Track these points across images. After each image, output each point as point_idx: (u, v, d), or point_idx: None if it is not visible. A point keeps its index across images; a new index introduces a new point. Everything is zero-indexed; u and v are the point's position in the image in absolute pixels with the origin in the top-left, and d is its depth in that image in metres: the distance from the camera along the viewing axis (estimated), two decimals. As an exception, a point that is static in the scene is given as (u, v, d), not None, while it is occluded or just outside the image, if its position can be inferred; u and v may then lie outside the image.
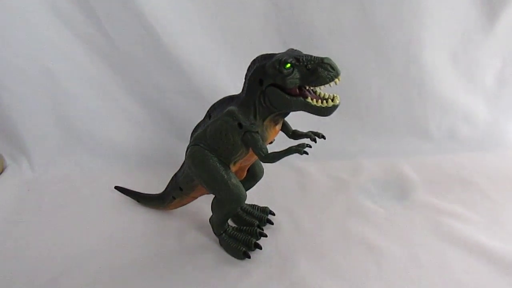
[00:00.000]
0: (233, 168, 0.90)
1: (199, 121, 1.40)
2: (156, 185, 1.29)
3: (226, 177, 0.87)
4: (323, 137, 0.90)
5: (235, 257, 0.94)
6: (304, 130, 0.92)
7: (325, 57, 0.72)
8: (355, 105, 1.38)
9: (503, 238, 0.97)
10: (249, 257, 0.93)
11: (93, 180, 1.34)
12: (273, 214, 1.08)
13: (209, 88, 1.35)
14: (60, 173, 1.37)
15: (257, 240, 0.96)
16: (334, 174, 1.30)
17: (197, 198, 1.05)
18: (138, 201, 1.18)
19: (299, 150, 0.80)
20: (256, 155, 0.83)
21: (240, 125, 0.81)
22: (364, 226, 1.04)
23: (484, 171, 1.29)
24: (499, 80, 1.41)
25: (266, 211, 1.08)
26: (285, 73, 0.73)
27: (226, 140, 0.84)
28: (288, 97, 0.76)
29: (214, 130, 0.85)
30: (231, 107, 0.83)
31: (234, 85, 1.35)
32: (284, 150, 0.81)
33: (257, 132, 0.81)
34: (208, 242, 1.01)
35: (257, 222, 1.03)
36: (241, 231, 0.99)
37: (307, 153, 0.80)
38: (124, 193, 1.21)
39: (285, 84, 0.74)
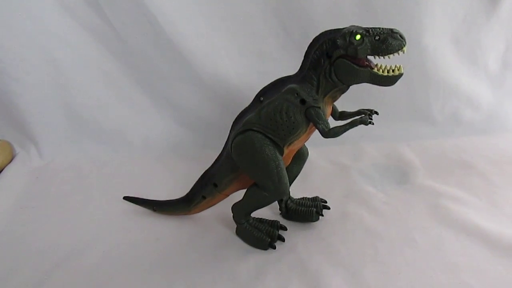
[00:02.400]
0: (286, 151, 0.89)
1: (201, 107, 1.43)
2: (162, 173, 1.32)
3: (280, 167, 0.85)
4: (376, 112, 0.90)
5: (256, 247, 0.94)
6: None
7: (393, 28, 0.76)
8: (356, 90, 1.34)
9: (501, 221, 0.97)
10: (275, 248, 0.93)
11: (100, 167, 1.37)
12: (325, 202, 1.06)
13: (210, 74, 1.36)
14: (68, 160, 1.40)
15: (278, 231, 0.96)
16: (335, 159, 1.31)
17: (228, 195, 1.01)
18: (154, 209, 1.08)
19: (365, 120, 0.82)
20: (320, 130, 0.83)
21: (303, 101, 0.82)
22: (363, 210, 1.05)
23: (486, 154, 1.29)
24: (503, 63, 1.40)
25: (317, 199, 1.06)
26: (356, 43, 0.76)
27: (287, 119, 0.83)
28: (358, 68, 0.78)
29: (272, 110, 0.84)
30: (292, 85, 0.83)
31: (235, 71, 1.37)
32: (347, 123, 0.83)
33: (320, 107, 0.83)
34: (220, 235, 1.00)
35: (315, 209, 1.01)
36: (263, 222, 0.99)
37: (372, 123, 0.83)
38: (136, 203, 1.11)
39: (356, 54, 0.76)
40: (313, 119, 0.83)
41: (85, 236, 1.01)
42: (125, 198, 1.11)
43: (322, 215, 1.01)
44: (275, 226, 0.98)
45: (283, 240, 0.95)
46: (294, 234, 0.98)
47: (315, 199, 1.06)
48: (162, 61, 1.35)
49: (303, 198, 1.06)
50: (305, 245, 0.94)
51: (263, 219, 1.00)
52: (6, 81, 1.33)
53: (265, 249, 0.93)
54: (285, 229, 0.99)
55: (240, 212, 0.95)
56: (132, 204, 1.11)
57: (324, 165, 1.28)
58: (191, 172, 1.30)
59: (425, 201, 1.07)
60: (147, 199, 1.08)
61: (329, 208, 1.03)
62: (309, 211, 1.00)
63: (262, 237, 0.94)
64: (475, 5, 1.28)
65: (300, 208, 1.02)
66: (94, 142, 1.45)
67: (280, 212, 1.05)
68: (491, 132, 1.41)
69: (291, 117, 0.83)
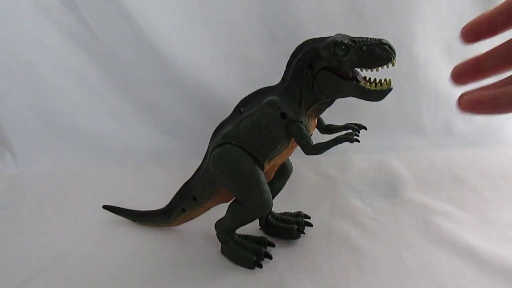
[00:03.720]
0: (267, 167, 0.83)
1: (184, 114, 1.38)
2: (142, 182, 1.27)
3: (260, 182, 0.80)
4: (364, 127, 0.85)
5: (242, 265, 0.88)
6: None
7: (382, 38, 0.69)
8: (344, 99, 1.33)
9: (493, 240, 0.93)
10: (261, 267, 0.87)
11: (78, 175, 1.32)
12: (308, 218, 1.02)
13: (193, 80, 1.32)
14: (44, 168, 1.36)
15: (265, 248, 0.91)
16: (322, 171, 1.27)
17: (210, 209, 0.96)
18: (133, 220, 1.04)
19: (349, 138, 0.75)
20: (302, 146, 0.77)
21: (283, 115, 0.76)
22: (350, 226, 1.00)
23: (479, 168, 1.25)
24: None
25: (300, 215, 1.01)
26: (340, 55, 0.70)
27: (266, 134, 0.78)
28: (342, 81, 0.72)
29: (251, 123, 0.78)
30: (272, 97, 0.78)
31: (220, 78, 1.32)
32: (331, 140, 0.76)
33: (302, 122, 0.77)
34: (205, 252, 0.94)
35: (296, 226, 0.96)
36: (249, 239, 0.93)
37: (358, 141, 0.76)
38: (115, 213, 1.06)
39: (341, 66, 0.70)
40: (294, 135, 0.77)
41: (58, 250, 0.96)
42: (104, 207, 1.06)
43: (304, 233, 0.96)
44: (262, 243, 0.92)
45: (270, 258, 0.89)
46: (276, 251, 0.92)
47: (298, 214, 1.00)
48: (143, 66, 1.31)
49: (285, 213, 1.01)
50: (286, 263, 0.89)
51: (249, 235, 0.94)
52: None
53: (251, 268, 0.87)
54: (273, 245, 0.93)
55: (224, 230, 0.90)
56: (111, 213, 1.06)
57: (310, 177, 1.24)
58: (172, 182, 1.24)
59: (414, 217, 1.02)
60: (127, 209, 1.04)
61: (311, 225, 0.98)
62: (290, 228, 0.95)
63: (248, 255, 0.88)
64: (469, 13, 1.25)
65: (280, 225, 0.96)
66: (71, 149, 1.40)
67: (260, 227, 1.00)
68: (484, 144, 1.37)
69: (271, 131, 0.77)
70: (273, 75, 1.31)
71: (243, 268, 0.87)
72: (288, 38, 1.25)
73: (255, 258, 0.87)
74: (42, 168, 1.35)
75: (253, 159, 0.80)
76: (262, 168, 0.82)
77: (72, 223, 1.06)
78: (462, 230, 0.96)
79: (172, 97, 1.35)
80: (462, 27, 0.36)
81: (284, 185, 0.96)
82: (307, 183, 1.21)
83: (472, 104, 0.37)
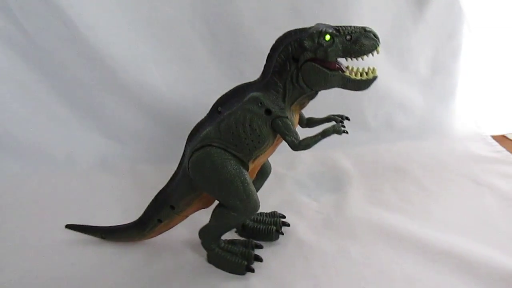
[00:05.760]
0: (251, 167, 0.80)
1: (128, 118, 1.34)
2: (89, 191, 1.22)
3: (246, 183, 0.77)
4: (347, 118, 0.84)
5: (233, 272, 0.84)
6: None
7: (366, 26, 0.69)
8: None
9: (433, 227, 0.96)
10: (253, 271, 0.84)
11: (18, 186, 1.25)
12: (284, 217, 1.00)
13: (136, 81, 1.29)
14: (-20, 179, 1.28)
15: (253, 251, 0.87)
16: (271, 168, 1.27)
17: (188, 216, 0.90)
18: (102, 238, 0.96)
19: (338, 130, 0.76)
20: (289, 143, 0.75)
21: (268, 111, 0.74)
22: (296, 220, 1.00)
23: (419, 159, 1.29)
24: (432, 68, 1.42)
25: (276, 215, 0.99)
26: (325, 45, 0.68)
27: (251, 132, 0.75)
28: (328, 72, 0.71)
29: (234, 122, 0.75)
30: (254, 94, 0.75)
31: (163, 79, 1.31)
32: (319, 133, 0.76)
33: (287, 117, 0.75)
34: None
35: (274, 227, 0.94)
36: (235, 243, 0.89)
37: (347, 132, 0.77)
38: (81, 232, 0.98)
39: (327, 56, 0.69)
40: (280, 131, 0.74)
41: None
42: (68, 226, 0.98)
43: (282, 234, 0.94)
44: (249, 246, 0.89)
45: (260, 260, 0.86)
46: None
47: (274, 214, 0.98)
48: (84, 69, 1.26)
49: (260, 213, 0.98)
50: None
51: (235, 240, 0.90)
52: None
53: (243, 273, 0.84)
54: (261, 247, 0.90)
55: (209, 237, 0.86)
56: (62, 232, 0.97)
57: (258, 175, 1.24)
58: (121, 189, 1.22)
59: (359, 209, 1.04)
60: (94, 226, 0.96)
61: (288, 225, 0.96)
62: (268, 229, 0.93)
63: (238, 261, 0.84)
64: (402, 10, 1.30)
65: (258, 226, 0.94)
66: (10, 158, 1.32)
67: (235, 230, 0.97)
68: (424, 137, 1.42)
69: (255, 129, 0.74)
70: (217, 75, 1.32)
71: (235, 276, 0.84)
72: (230, 37, 1.26)
73: (245, 262, 0.84)
74: (-23, 180, 1.27)
75: (237, 160, 0.77)
76: (246, 168, 0.79)
77: (7, 241, 0.98)
78: (404, 220, 0.99)
79: (115, 99, 1.31)
80: None
81: (262, 185, 0.94)
82: (256, 181, 1.21)
83: None
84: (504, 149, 1.31)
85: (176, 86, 1.32)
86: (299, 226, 0.98)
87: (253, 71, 1.28)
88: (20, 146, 1.33)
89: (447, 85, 1.44)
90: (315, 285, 0.80)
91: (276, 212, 1.00)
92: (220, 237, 0.87)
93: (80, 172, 1.32)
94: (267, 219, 0.96)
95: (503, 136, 1.43)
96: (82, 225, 0.97)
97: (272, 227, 0.93)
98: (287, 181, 1.20)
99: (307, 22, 1.22)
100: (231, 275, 0.84)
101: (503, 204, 1.03)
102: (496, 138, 1.40)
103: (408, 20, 1.31)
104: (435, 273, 0.82)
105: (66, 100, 1.32)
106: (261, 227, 0.94)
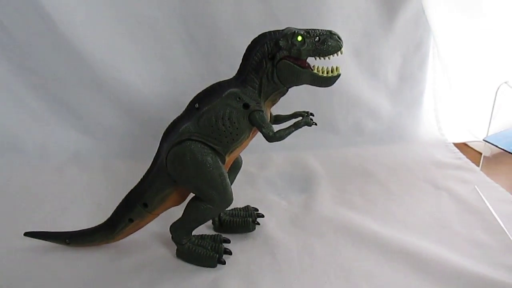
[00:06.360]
0: (227, 159, 0.85)
1: (103, 113, 1.35)
2: (60, 185, 1.23)
3: (223, 176, 0.81)
4: (312, 114, 0.91)
5: (204, 265, 0.88)
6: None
7: (331, 30, 0.79)
8: None
9: (394, 227, 1.01)
10: (224, 263, 0.88)
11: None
12: (257, 210, 1.04)
13: (113, 79, 1.30)
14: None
15: (222, 245, 0.91)
16: (243, 168, 1.29)
17: (159, 215, 0.91)
18: (66, 243, 0.93)
19: (308, 122, 0.86)
20: (264, 135, 0.81)
21: (246, 105, 0.80)
22: (265, 218, 1.04)
23: (384, 163, 1.35)
24: (400, 76, 1.48)
25: (249, 209, 1.03)
26: (298, 44, 0.77)
27: (230, 125, 0.80)
28: (300, 69, 0.79)
29: (214, 117, 0.80)
30: (232, 89, 0.80)
31: (139, 76, 1.32)
32: (291, 125, 0.84)
33: (263, 111, 0.81)
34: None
35: (251, 219, 0.98)
36: (205, 238, 0.92)
37: (316, 124, 0.87)
38: (42, 239, 0.94)
39: (300, 55, 0.77)
40: (257, 124, 0.81)
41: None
42: (27, 234, 0.94)
43: (258, 224, 1.00)
44: (217, 240, 0.93)
45: (230, 253, 0.90)
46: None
47: (247, 208, 1.04)
48: (60, 64, 1.27)
49: (234, 208, 1.03)
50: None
51: (205, 235, 0.94)
52: None
53: (214, 266, 0.88)
54: (228, 241, 0.94)
55: (181, 231, 0.88)
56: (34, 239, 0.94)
57: (230, 174, 1.27)
58: (93, 184, 1.23)
59: (325, 208, 1.09)
60: (56, 232, 0.93)
61: (263, 216, 1.02)
62: (245, 221, 0.98)
63: (209, 253, 0.88)
64: (373, 20, 1.34)
65: (235, 219, 0.99)
66: None
67: (213, 225, 1.00)
68: (390, 142, 1.47)
69: (234, 123, 0.80)
70: (193, 74, 1.35)
71: (204, 269, 0.88)
72: (207, 38, 1.28)
73: (217, 255, 0.88)
74: None
75: (215, 153, 0.82)
76: (223, 161, 0.84)
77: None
78: (367, 219, 1.04)
79: (90, 95, 1.32)
80: None
81: (235, 178, 0.99)
82: (227, 179, 1.24)
83: None
84: (464, 157, 1.38)
85: (152, 84, 1.34)
86: (268, 223, 1.03)
87: (228, 71, 1.30)
88: (-7, 140, 1.33)
89: (414, 92, 1.50)
90: (280, 281, 0.84)
91: (249, 206, 1.04)
92: (192, 232, 0.90)
93: (53, 166, 1.33)
94: (242, 213, 1.02)
95: (465, 144, 1.49)
96: (43, 232, 0.94)
97: (248, 218, 0.99)
98: (258, 180, 1.24)
99: (281, 27, 1.26)
100: (200, 268, 0.88)
101: (459, 208, 1.09)
102: (457, 145, 1.46)
103: (378, 29, 1.36)
104: (392, 270, 0.87)
105: (41, 94, 1.33)
106: (238, 220, 0.99)
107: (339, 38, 0.78)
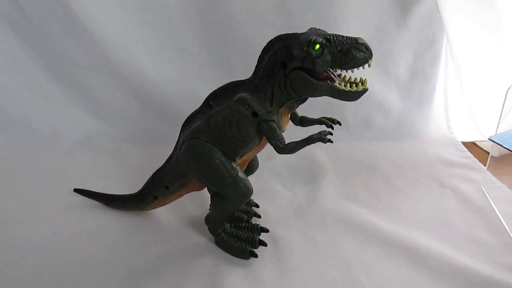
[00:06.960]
0: (238, 161, 0.83)
1: (115, 98, 1.38)
2: (71, 166, 1.26)
3: (233, 171, 0.79)
4: (339, 122, 0.84)
5: (239, 257, 0.88)
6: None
7: (358, 37, 0.67)
8: None
9: (397, 222, 1.02)
10: (256, 256, 0.87)
11: (2, 157, 1.28)
12: (257, 206, 1.04)
13: (127, 65, 1.32)
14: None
15: (259, 235, 0.90)
16: (249, 158, 1.32)
17: (183, 195, 0.95)
18: (106, 204, 1.03)
19: (323, 138, 0.76)
20: (273, 146, 0.76)
21: (255, 113, 0.74)
22: (269, 208, 1.06)
23: (391, 158, 1.35)
24: (412, 73, 1.47)
25: (249, 203, 1.02)
26: (314, 55, 0.67)
27: (236, 131, 0.76)
28: (315, 82, 0.70)
29: (221, 120, 0.76)
30: (242, 94, 0.75)
31: (152, 63, 1.34)
32: (304, 139, 0.76)
33: (274, 120, 0.75)
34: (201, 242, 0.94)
35: (245, 216, 0.97)
36: (241, 228, 0.92)
37: (331, 141, 0.77)
38: (87, 196, 1.05)
39: (314, 67, 0.68)
40: (266, 134, 0.76)
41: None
42: (76, 190, 1.07)
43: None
44: (255, 230, 0.92)
45: (265, 245, 0.89)
46: (197, 231, 0.97)
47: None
48: (75, 48, 1.29)
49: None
50: (204, 242, 0.94)
51: (242, 224, 0.94)
52: None
53: (247, 258, 0.87)
54: (266, 231, 0.94)
55: (214, 223, 0.90)
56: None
57: (237, 164, 1.28)
58: (103, 167, 1.26)
59: (329, 201, 1.10)
60: (100, 193, 1.03)
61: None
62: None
63: (242, 246, 0.87)
64: (387, 15, 1.34)
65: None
66: None
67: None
68: (398, 138, 1.48)
69: (242, 130, 0.76)
70: (205, 63, 1.36)
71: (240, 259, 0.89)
72: (220, 28, 1.29)
73: (249, 248, 0.87)
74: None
75: (224, 154, 0.80)
76: (233, 161, 0.82)
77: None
78: (371, 213, 1.05)
79: (104, 80, 1.34)
80: None
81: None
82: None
83: None
84: (472, 156, 1.38)
85: (165, 71, 1.35)
86: (271, 213, 1.04)
87: (240, 62, 1.33)
88: (8, 119, 1.36)
89: (425, 90, 1.50)
90: (281, 269, 0.86)
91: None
92: (223, 223, 0.90)
93: (64, 148, 1.36)
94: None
95: (473, 143, 1.49)
96: (90, 191, 1.04)
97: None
98: (264, 170, 1.25)
99: (294, 18, 1.28)
100: (236, 258, 0.89)
101: (464, 206, 1.09)
102: (466, 144, 1.46)
103: (391, 25, 1.36)
104: (392, 264, 0.88)
105: (56, 77, 1.35)
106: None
107: (367, 49, 0.66)
